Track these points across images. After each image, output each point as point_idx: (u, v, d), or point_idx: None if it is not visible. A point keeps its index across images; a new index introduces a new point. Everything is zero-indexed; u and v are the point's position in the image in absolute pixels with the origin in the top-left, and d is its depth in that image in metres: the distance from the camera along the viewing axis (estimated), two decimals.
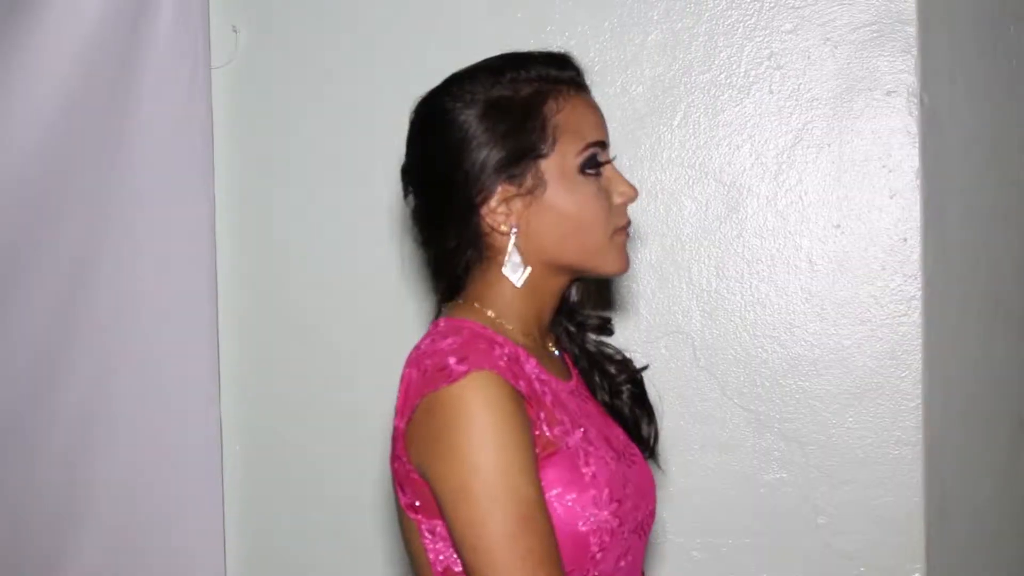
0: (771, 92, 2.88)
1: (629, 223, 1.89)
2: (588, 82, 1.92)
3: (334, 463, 3.13)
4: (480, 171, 1.81)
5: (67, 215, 3.04)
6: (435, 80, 2.98)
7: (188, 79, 3.03)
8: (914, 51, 2.82)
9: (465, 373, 1.69)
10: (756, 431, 2.89)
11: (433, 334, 1.82)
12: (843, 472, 2.87)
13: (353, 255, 3.10)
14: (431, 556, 1.79)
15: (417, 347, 1.82)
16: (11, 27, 2.99)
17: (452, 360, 1.72)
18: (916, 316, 2.84)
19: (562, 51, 1.91)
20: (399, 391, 1.79)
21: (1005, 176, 3.02)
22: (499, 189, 1.82)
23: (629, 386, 2.02)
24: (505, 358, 1.77)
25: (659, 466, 2.00)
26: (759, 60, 2.89)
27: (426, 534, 1.79)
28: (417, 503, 1.78)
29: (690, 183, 2.89)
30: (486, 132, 1.82)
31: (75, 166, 3.03)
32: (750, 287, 2.90)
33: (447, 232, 1.85)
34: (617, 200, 1.86)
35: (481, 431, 1.67)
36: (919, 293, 2.84)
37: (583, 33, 2.92)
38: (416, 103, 1.94)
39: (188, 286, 3.06)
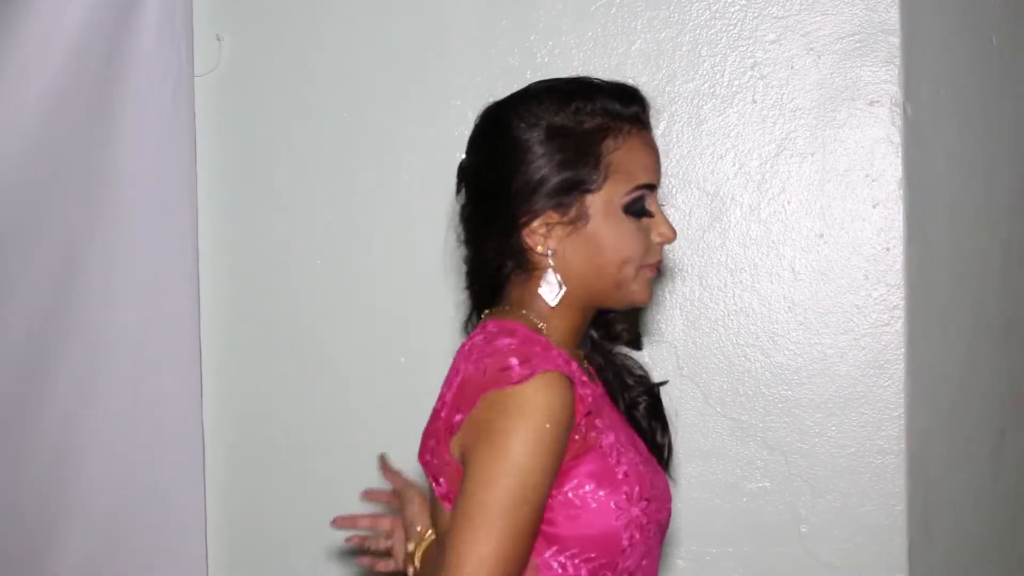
0: (754, 102, 2.89)
1: (660, 262, 1.94)
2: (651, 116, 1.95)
3: (316, 460, 3.13)
4: (530, 192, 1.85)
5: (51, 222, 3.04)
6: (420, 88, 3.01)
7: (172, 87, 3.03)
8: (897, 61, 2.83)
9: (531, 375, 1.74)
10: (739, 440, 2.89)
11: (485, 333, 1.86)
12: (826, 481, 2.87)
13: (337, 260, 3.10)
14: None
15: (469, 344, 1.86)
16: None
17: (514, 361, 1.76)
18: (899, 325, 2.84)
19: (632, 85, 1.94)
20: (450, 385, 1.83)
21: (988, 186, 3.02)
22: (544, 214, 1.85)
23: (646, 398, 2.06)
24: (561, 358, 1.82)
25: (671, 477, 2.03)
26: (743, 70, 2.89)
27: None
28: (452, 494, 1.81)
29: (673, 192, 2.89)
30: (543, 156, 1.86)
31: (59, 172, 3.03)
32: (733, 296, 2.90)
33: (487, 240, 1.90)
34: (655, 240, 1.91)
35: (532, 432, 1.72)
36: (902, 302, 2.84)
37: (567, 42, 2.92)
38: (485, 108, 1.96)
39: (171, 291, 3.07)
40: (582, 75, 1.96)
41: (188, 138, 3.05)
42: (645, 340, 2.88)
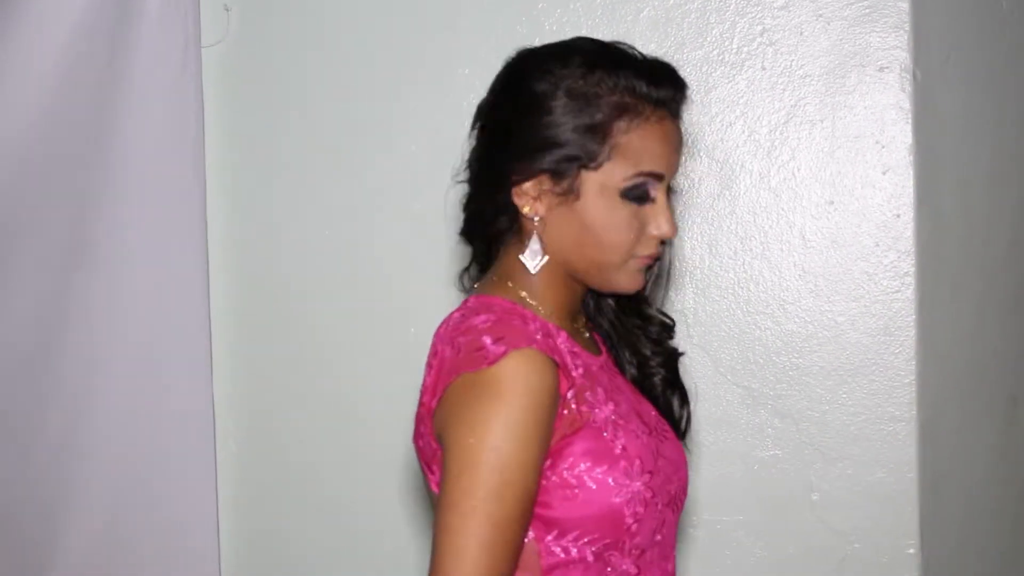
0: (763, 69, 2.88)
1: (656, 256, 1.86)
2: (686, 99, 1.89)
3: (327, 452, 3.13)
4: (532, 151, 1.78)
5: (57, 197, 3.02)
6: (428, 57, 3.00)
7: (179, 58, 3.01)
8: (907, 27, 2.82)
9: (504, 354, 1.67)
10: (750, 408, 2.89)
11: (463, 310, 1.80)
12: (837, 449, 2.87)
13: (346, 238, 3.09)
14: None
15: (446, 323, 1.79)
16: None
17: (488, 340, 1.69)
18: (909, 292, 2.84)
19: (670, 66, 1.87)
20: (430, 368, 1.77)
21: (998, 151, 3.01)
22: (538, 177, 1.79)
23: (663, 370, 1.99)
24: (540, 333, 1.74)
25: (688, 448, 1.96)
26: (751, 37, 2.88)
27: None
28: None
29: (683, 160, 2.87)
30: (554, 118, 1.77)
31: (65, 147, 3.01)
32: (743, 264, 2.90)
33: (483, 188, 1.84)
34: (652, 232, 1.82)
35: (510, 414, 1.65)
36: (912, 269, 2.84)
37: (575, 10, 2.91)
38: (515, 54, 1.88)
39: (179, 269, 3.04)
40: (624, 42, 1.88)
41: (196, 109, 3.03)
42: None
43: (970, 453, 2.98)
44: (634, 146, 1.79)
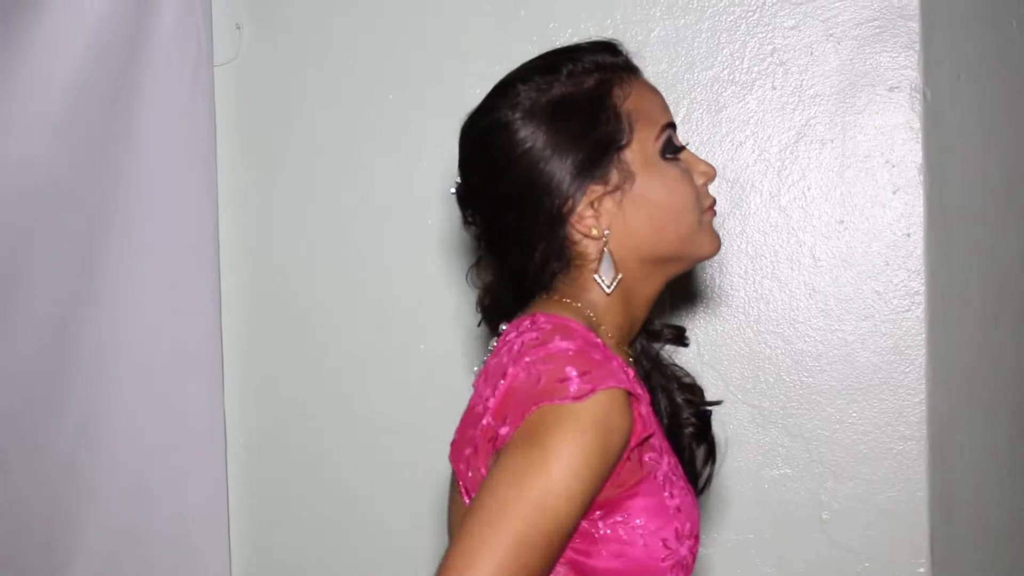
0: (774, 88, 2.88)
1: (715, 201, 1.81)
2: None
3: (337, 459, 3.13)
4: (561, 180, 1.69)
5: (70, 212, 3.04)
6: (438, 78, 3.01)
7: (191, 76, 3.02)
8: (917, 46, 2.82)
9: (592, 391, 1.57)
10: (760, 427, 2.89)
11: (537, 329, 1.69)
12: (847, 468, 2.87)
13: (358, 253, 3.10)
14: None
15: (519, 340, 1.69)
16: (14, 25, 2.98)
17: (573, 372, 1.59)
18: (920, 311, 2.84)
19: (607, 38, 1.83)
20: (495, 388, 1.66)
21: (1008, 170, 3.01)
22: (586, 192, 1.70)
23: (695, 421, 1.91)
24: (621, 371, 1.66)
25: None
26: (762, 56, 2.89)
27: None
28: None
29: None
30: (558, 136, 1.70)
31: (78, 164, 3.03)
32: (753, 283, 2.90)
33: (531, 249, 1.72)
34: (699, 180, 1.78)
35: (581, 449, 1.56)
36: (923, 288, 2.84)
37: (586, 30, 2.92)
38: (465, 121, 1.82)
39: (191, 284, 3.05)
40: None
41: (207, 128, 3.05)
42: None
43: (980, 472, 2.97)
44: (641, 107, 1.75)
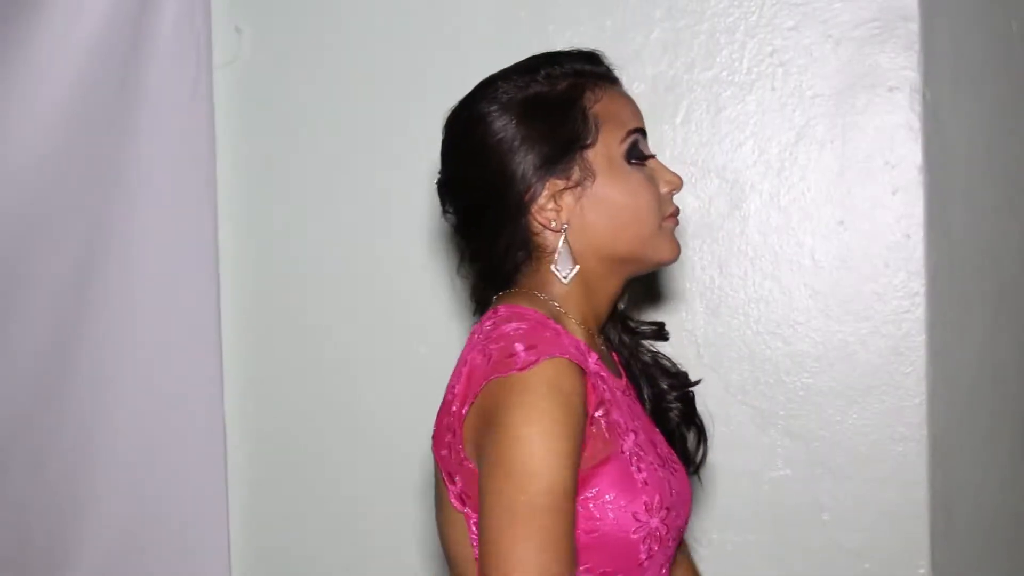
0: (773, 89, 2.89)
1: (678, 211, 1.88)
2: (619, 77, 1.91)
3: (337, 461, 3.13)
4: (526, 171, 1.79)
5: (69, 215, 3.04)
6: (438, 80, 3.01)
7: (191, 79, 3.03)
8: (916, 47, 2.82)
9: (536, 361, 1.65)
10: (760, 428, 2.89)
11: (494, 318, 1.79)
12: (847, 468, 2.87)
13: (356, 253, 3.10)
14: (478, 552, 1.69)
15: (478, 331, 1.79)
16: (14, 26, 2.98)
17: (520, 347, 1.68)
18: (920, 312, 2.84)
19: (593, 49, 1.91)
20: (459, 376, 1.75)
21: (1008, 171, 3.02)
22: (547, 185, 1.79)
23: (679, 405, 1.98)
24: (572, 347, 1.73)
25: (700, 481, 1.98)
26: (761, 57, 2.89)
27: (473, 528, 1.74)
28: (467, 495, 1.73)
29: (693, 180, 2.89)
30: (528, 130, 1.80)
31: (77, 166, 3.03)
32: (753, 284, 2.90)
33: (496, 236, 1.82)
34: (664, 189, 1.85)
35: (539, 415, 1.63)
36: (922, 289, 2.84)
37: (585, 32, 2.92)
38: (448, 113, 1.92)
39: (191, 287, 3.05)
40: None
41: (207, 130, 3.05)
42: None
43: (981, 472, 2.97)
44: (610, 111, 1.83)
